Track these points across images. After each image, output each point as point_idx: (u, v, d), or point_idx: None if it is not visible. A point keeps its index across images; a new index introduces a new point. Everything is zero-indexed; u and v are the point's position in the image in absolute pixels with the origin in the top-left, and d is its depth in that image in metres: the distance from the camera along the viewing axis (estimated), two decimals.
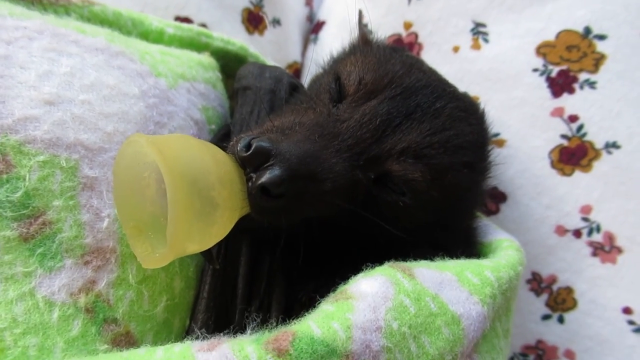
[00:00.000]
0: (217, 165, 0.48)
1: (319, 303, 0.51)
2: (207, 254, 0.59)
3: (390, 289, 0.50)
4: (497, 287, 0.57)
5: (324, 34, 1.16)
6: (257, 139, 0.51)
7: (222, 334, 0.49)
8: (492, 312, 0.56)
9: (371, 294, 0.49)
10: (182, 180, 0.44)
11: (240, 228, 0.52)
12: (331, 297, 0.52)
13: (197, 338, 0.48)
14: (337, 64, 0.74)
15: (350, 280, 0.53)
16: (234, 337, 0.47)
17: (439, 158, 0.60)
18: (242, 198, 0.50)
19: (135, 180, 0.50)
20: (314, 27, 1.20)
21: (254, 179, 0.50)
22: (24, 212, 0.51)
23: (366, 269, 0.54)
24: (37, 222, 0.51)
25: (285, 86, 0.73)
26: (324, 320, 0.46)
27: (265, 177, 0.49)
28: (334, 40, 1.06)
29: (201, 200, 0.45)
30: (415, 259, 0.57)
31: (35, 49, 0.57)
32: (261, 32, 1.08)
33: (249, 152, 0.50)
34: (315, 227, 0.58)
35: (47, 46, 0.58)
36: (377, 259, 0.56)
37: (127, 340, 0.54)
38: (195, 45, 0.82)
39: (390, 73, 0.63)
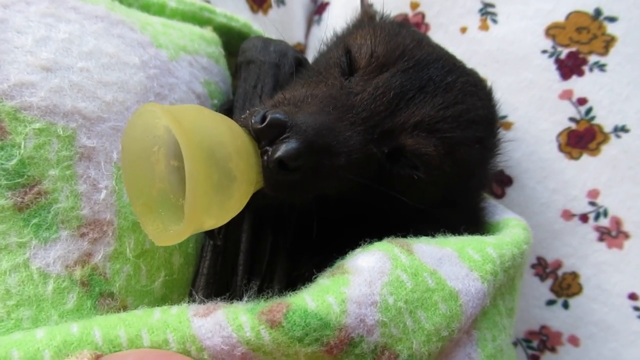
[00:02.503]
0: (233, 137, 0.46)
1: (316, 277, 0.51)
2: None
3: (387, 263, 0.50)
4: (499, 264, 0.56)
5: (327, 15, 1.14)
6: (271, 111, 0.49)
7: (218, 299, 0.48)
8: (493, 289, 0.55)
9: (367, 269, 0.49)
10: (201, 151, 0.42)
11: (253, 205, 0.50)
12: (328, 271, 0.51)
13: (194, 301, 0.48)
14: (344, 38, 0.73)
15: (348, 255, 0.52)
16: (230, 303, 0.47)
17: (452, 132, 0.59)
18: (257, 172, 0.48)
19: (145, 155, 0.48)
20: (317, 8, 1.18)
21: (269, 153, 0.48)
22: (18, 180, 0.49)
23: (364, 244, 0.53)
24: (32, 192, 0.50)
25: (290, 60, 0.71)
26: (319, 294, 0.46)
27: (282, 150, 0.47)
28: (338, 21, 1.04)
29: (219, 172, 0.43)
30: (419, 236, 0.57)
31: (33, 13, 0.55)
32: (265, 11, 1.06)
33: (263, 124, 0.48)
34: (324, 203, 0.56)
35: (45, 11, 0.56)
36: (382, 236, 0.55)
37: None
38: (197, 20, 0.80)
39: (401, 46, 0.62)
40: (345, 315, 0.45)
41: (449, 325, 0.49)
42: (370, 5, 1.00)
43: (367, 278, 0.48)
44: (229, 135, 0.46)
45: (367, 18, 0.79)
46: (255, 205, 0.51)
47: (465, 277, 0.52)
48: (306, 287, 0.49)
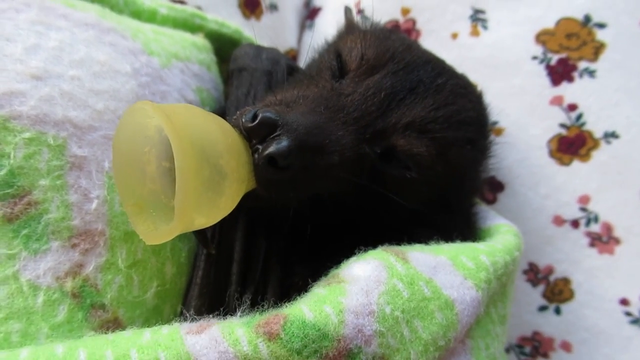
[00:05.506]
0: (224, 135, 0.46)
1: (311, 287, 0.50)
2: (202, 237, 0.57)
3: (383, 272, 0.49)
4: (492, 272, 0.56)
5: (319, 20, 1.14)
6: (262, 110, 0.49)
7: (211, 316, 0.48)
8: (487, 297, 0.55)
9: (364, 278, 0.48)
10: (191, 146, 0.41)
11: (246, 206, 0.50)
12: (323, 280, 0.51)
13: (186, 320, 0.46)
14: (334, 43, 0.73)
15: (342, 264, 0.52)
16: (224, 319, 0.46)
17: (444, 132, 0.59)
18: (248, 170, 0.48)
19: (136, 156, 0.48)
20: (309, 13, 1.18)
21: (260, 150, 0.48)
22: (8, 191, 0.48)
23: (359, 252, 0.53)
24: (22, 202, 0.49)
25: (282, 68, 0.71)
26: (316, 304, 0.45)
27: (272, 148, 0.47)
28: (330, 26, 1.04)
29: (210, 169, 0.43)
30: (412, 242, 0.56)
31: (22, 21, 0.54)
32: (258, 17, 1.05)
33: (254, 123, 0.48)
34: (318, 206, 0.56)
35: (34, 19, 0.55)
36: (376, 243, 0.54)
37: (115, 327, 0.51)
38: (188, 26, 0.80)
39: (391, 49, 0.62)
40: (343, 326, 0.44)
41: (445, 334, 0.49)
42: (362, 11, 1.00)
43: (363, 287, 0.47)
44: (220, 133, 0.45)
45: (357, 26, 0.79)
46: (248, 206, 0.51)
47: (460, 285, 0.52)
48: (301, 297, 0.49)
